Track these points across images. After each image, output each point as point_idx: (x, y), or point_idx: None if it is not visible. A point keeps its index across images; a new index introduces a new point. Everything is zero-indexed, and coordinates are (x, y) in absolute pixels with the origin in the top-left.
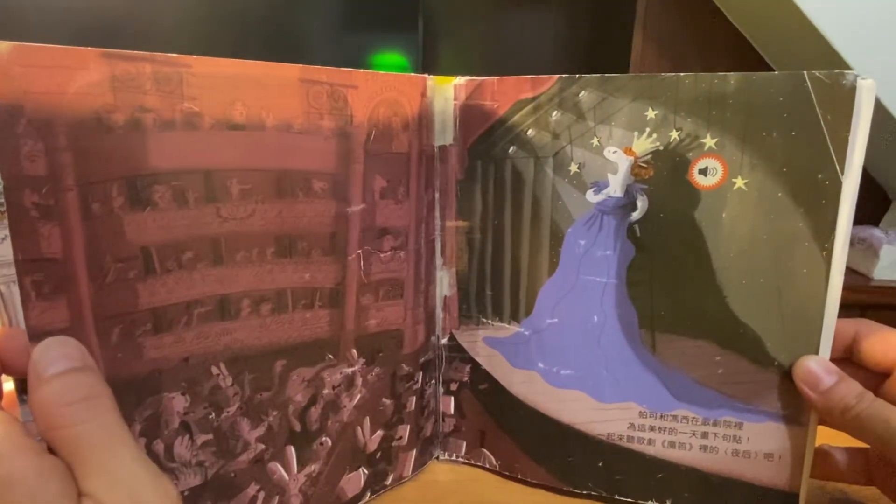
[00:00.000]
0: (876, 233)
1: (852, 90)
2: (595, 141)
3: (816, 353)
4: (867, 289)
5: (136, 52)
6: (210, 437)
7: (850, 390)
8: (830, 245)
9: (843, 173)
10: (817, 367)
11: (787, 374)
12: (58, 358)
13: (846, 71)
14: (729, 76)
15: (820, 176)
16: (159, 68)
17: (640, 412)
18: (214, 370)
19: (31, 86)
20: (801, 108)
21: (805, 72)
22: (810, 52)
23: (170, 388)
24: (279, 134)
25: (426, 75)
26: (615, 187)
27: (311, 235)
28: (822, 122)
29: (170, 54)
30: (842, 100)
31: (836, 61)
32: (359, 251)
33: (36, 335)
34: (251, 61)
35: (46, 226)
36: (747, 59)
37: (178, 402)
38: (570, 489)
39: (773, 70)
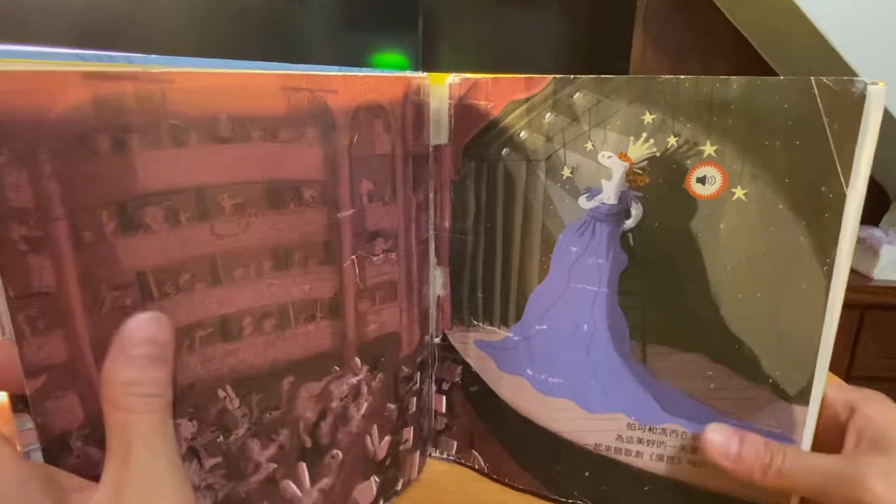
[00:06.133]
0: (876, 233)
1: (861, 99)
2: (589, 145)
3: (812, 372)
4: (867, 289)
5: (117, 70)
6: (219, 459)
7: (759, 447)
8: (832, 261)
9: (847, 186)
10: (719, 436)
11: (781, 392)
12: (145, 341)
13: (856, 78)
14: (731, 80)
15: (823, 188)
16: (141, 86)
17: (629, 424)
18: (221, 393)
19: (11, 113)
20: (806, 117)
21: (812, 78)
22: (811, 53)
23: (176, 416)
24: (265, 144)
25: (417, 74)
26: (609, 194)
27: (306, 245)
28: (828, 132)
29: (151, 70)
30: (850, 109)
31: (836, 62)
32: (353, 257)
33: (33, 372)
34: (232, 71)
35: (37, 259)
36: (747, 59)
37: (185, 429)
38: (556, 497)
39: (774, 71)
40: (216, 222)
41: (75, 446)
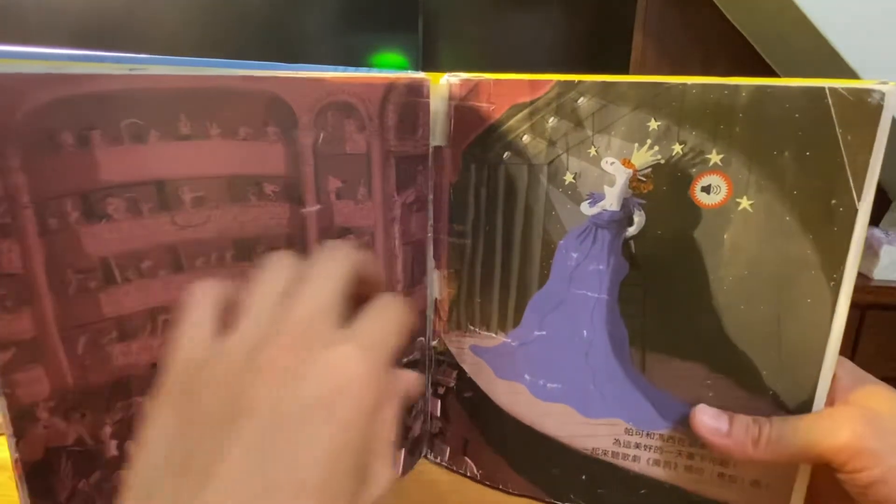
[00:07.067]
0: (876, 233)
1: (878, 109)
2: (592, 151)
3: (815, 388)
4: (867, 289)
5: (78, 73)
6: None
7: (747, 422)
8: (839, 276)
9: (859, 200)
10: (708, 417)
11: (781, 405)
12: None
13: (872, 87)
14: (740, 87)
15: (834, 201)
16: (103, 87)
17: (626, 429)
18: None
19: None
20: (818, 126)
21: (826, 85)
22: (811, 53)
23: (140, 393)
24: (224, 142)
25: (418, 74)
26: (611, 200)
27: (268, 238)
28: (841, 143)
29: (112, 73)
30: (865, 119)
31: (836, 62)
32: None
33: (2, 345)
34: (190, 74)
35: (5, 242)
36: (747, 59)
37: None
38: (552, 501)
39: (774, 71)
40: (177, 214)
41: (42, 417)
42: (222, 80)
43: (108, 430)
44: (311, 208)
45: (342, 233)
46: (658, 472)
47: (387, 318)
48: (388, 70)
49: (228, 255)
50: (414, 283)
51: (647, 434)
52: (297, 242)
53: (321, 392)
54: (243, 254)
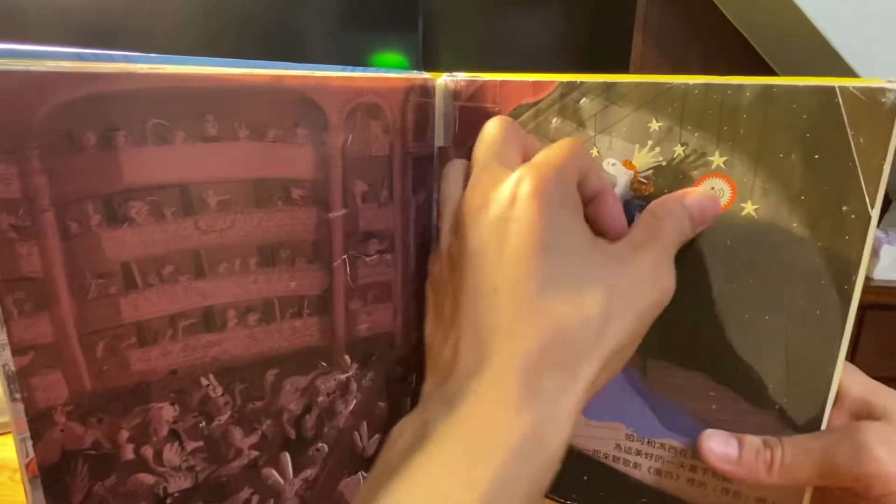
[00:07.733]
0: (876, 233)
1: (893, 109)
2: (594, 151)
3: (824, 404)
4: (867, 289)
5: (102, 71)
6: (201, 443)
7: (758, 445)
8: (851, 287)
9: (872, 206)
10: (716, 443)
11: (788, 420)
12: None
13: (886, 87)
14: (745, 86)
15: (845, 208)
16: (127, 86)
17: (627, 434)
18: (204, 381)
19: (0, 111)
20: (828, 128)
21: (836, 85)
22: (811, 53)
23: (158, 399)
24: (252, 144)
25: (423, 74)
26: None
27: (293, 243)
28: (853, 146)
29: (136, 71)
30: (879, 121)
31: (836, 62)
32: (344, 257)
33: (20, 350)
34: (219, 72)
35: (25, 246)
36: (747, 59)
37: (167, 412)
38: (555, 497)
39: (774, 71)
40: (201, 218)
41: (59, 420)
42: (251, 79)
43: (124, 434)
44: (338, 213)
45: (365, 237)
46: (659, 482)
47: (554, 149)
48: (395, 70)
49: (252, 262)
50: (423, 283)
51: (648, 442)
52: (323, 248)
53: (494, 223)
54: (267, 260)
